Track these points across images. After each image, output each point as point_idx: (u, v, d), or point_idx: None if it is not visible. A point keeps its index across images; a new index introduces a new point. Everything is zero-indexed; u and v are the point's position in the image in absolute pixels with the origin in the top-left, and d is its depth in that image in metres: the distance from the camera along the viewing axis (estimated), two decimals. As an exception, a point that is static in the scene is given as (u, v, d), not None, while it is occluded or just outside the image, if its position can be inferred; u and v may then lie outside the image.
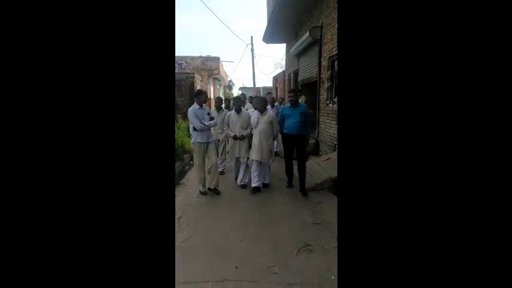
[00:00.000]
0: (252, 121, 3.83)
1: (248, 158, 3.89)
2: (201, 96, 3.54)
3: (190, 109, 3.53)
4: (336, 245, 2.38)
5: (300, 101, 4.64)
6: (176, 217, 2.97)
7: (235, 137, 3.84)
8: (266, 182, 3.93)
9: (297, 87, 7.80)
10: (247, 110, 4.55)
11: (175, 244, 2.35)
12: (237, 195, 3.66)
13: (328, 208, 3.20)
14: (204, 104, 3.61)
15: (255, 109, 4.01)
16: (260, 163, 3.71)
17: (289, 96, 3.72)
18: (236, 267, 2.07)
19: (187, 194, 3.75)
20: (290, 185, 3.94)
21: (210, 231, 2.66)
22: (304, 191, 3.60)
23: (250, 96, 8.01)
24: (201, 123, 3.44)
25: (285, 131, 3.69)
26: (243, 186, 3.92)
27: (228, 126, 3.93)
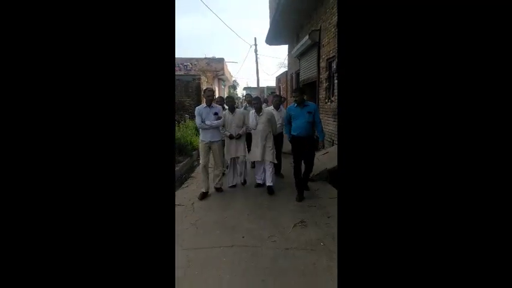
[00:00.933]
0: (250, 122, 3.76)
1: (244, 157, 3.87)
2: (204, 94, 3.64)
3: (197, 108, 3.64)
4: (327, 222, 2.80)
5: None
6: (190, 203, 3.41)
7: (231, 137, 3.76)
8: (271, 184, 3.68)
9: (299, 87, 8.09)
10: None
11: (190, 222, 2.82)
12: (243, 187, 4.08)
13: (324, 194, 3.61)
14: (213, 103, 3.64)
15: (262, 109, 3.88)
16: (262, 163, 3.74)
17: (294, 96, 3.45)
18: (243, 237, 2.51)
19: (197, 185, 4.19)
20: (301, 197, 3.43)
21: (220, 213, 3.10)
22: (306, 187, 3.62)
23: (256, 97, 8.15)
24: (202, 122, 3.50)
25: (293, 133, 3.42)
26: (233, 187, 3.99)
27: (224, 126, 3.79)
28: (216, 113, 3.58)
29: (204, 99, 3.65)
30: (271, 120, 3.73)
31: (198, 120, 3.56)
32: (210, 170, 3.77)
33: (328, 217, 2.91)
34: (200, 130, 3.67)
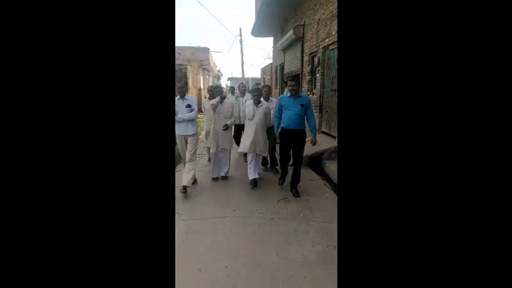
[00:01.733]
0: (247, 112, 3.66)
1: (225, 149, 3.82)
2: (176, 85, 3.28)
3: None
4: (306, 198, 3.25)
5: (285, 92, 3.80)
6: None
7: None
8: (255, 176, 3.65)
9: (295, 75, 7.17)
10: (246, 101, 4.44)
11: (190, 198, 3.16)
12: (232, 173, 4.44)
13: (304, 178, 4.02)
14: (187, 94, 3.45)
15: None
16: (255, 155, 3.66)
17: (290, 85, 3.17)
18: (234, 210, 2.91)
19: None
20: (283, 181, 3.59)
21: (212, 193, 3.47)
22: (296, 191, 3.35)
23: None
24: (175, 114, 3.31)
25: (282, 125, 3.25)
26: (216, 179, 3.85)
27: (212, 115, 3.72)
28: (188, 105, 3.39)
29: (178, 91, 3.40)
30: (267, 114, 3.67)
31: None
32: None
33: (308, 195, 3.36)
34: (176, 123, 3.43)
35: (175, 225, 2.56)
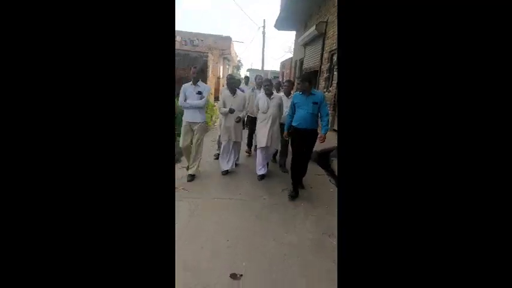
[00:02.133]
0: (260, 105, 3.57)
1: (235, 142, 3.81)
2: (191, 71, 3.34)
3: (183, 85, 3.36)
4: (309, 191, 3.39)
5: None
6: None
7: (230, 110, 3.55)
8: (264, 172, 3.68)
9: (304, 74, 7.00)
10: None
11: (195, 183, 3.36)
12: (241, 161, 4.61)
13: (310, 172, 4.12)
14: (200, 81, 3.35)
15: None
16: (267, 148, 3.62)
17: (298, 84, 3.06)
18: (240, 194, 3.10)
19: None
20: (295, 193, 3.12)
21: (221, 178, 3.68)
22: (301, 184, 3.40)
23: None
24: (185, 100, 3.31)
25: (294, 124, 3.09)
26: (225, 172, 3.75)
27: (225, 107, 3.64)
28: (199, 92, 3.30)
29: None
30: (280, 105, 3.62)
31: (181, 97, 3.30)
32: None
33: (311, 188, 3.49)
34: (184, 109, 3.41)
35: (184, 203, 2.77)
